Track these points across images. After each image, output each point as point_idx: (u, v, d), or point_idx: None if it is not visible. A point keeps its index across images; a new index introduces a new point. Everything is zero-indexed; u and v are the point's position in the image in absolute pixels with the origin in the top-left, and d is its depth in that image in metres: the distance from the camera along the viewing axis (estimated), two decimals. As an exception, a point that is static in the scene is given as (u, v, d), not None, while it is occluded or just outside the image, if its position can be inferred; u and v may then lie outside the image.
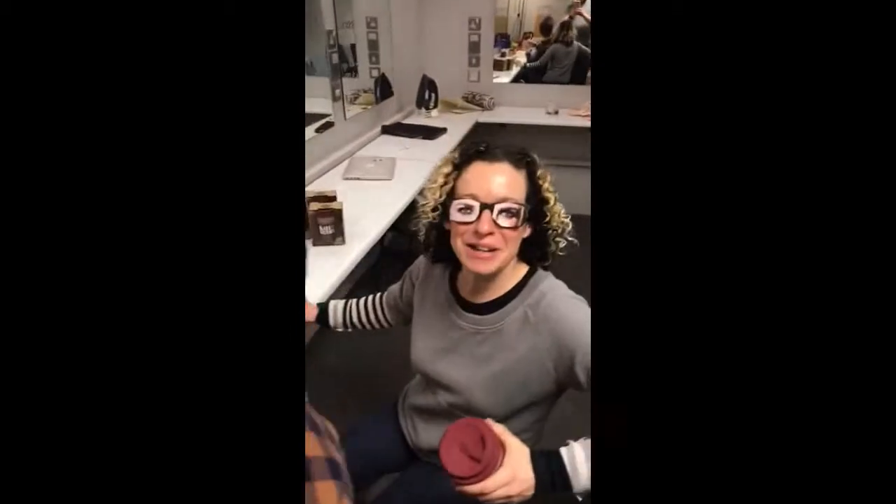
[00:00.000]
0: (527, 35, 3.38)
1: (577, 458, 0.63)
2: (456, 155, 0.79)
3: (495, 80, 3.17)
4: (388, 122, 2.55)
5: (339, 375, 1.88)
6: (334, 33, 2.00)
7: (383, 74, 2.58)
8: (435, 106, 2.80)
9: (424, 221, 0.83)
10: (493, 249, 0.74)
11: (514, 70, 3.35)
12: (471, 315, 0.84)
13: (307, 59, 2.00)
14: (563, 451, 0.65)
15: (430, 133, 2.39)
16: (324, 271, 1.24)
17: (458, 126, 2.61)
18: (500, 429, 0.63)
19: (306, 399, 0.53)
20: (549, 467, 0.63)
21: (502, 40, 3.27)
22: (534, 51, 3.28)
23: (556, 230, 0.80)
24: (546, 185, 0.77)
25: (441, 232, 0.83)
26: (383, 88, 2.60)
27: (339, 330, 1.10)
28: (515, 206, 0.73)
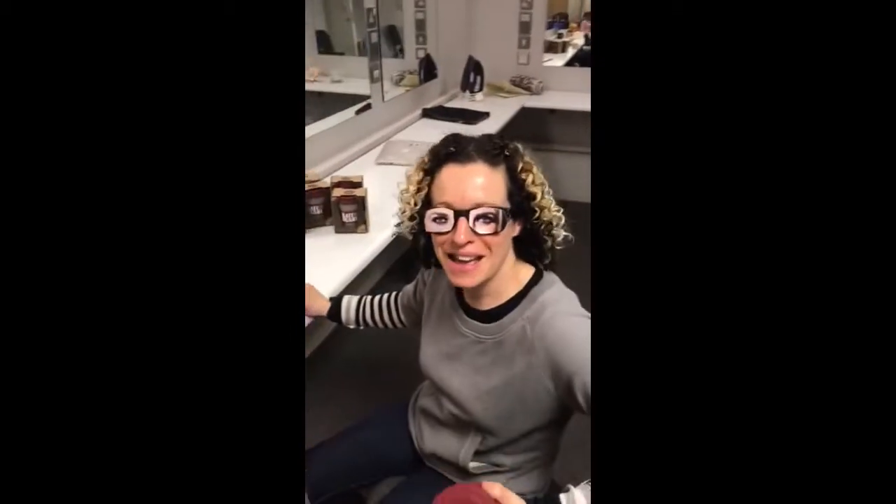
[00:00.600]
0: (588, 15, 3.19)
1: None
2: (426, 159, 0.72)
3: (547, 63, 3.02)
4: (429, 105, 2.48)
5: (359, 367, 1.87)
6: (374, 12, 1.94)
7: (428, 55, 2.50)
8: (480, 89, 2.70)
9: (406, 229, 0.78)
10: (478, 257, 0.68)
11: (570, 52, 3.18)
12: (473, 322, 0.78)
13: (357, 39, 1.97)
14: (563, 497, 0.58)
15: (472, 117, 2.30)
16: (344, 260, 1.20)
17: (502, 111, 2.51)
18: (497, 492, 0.55)
19: None
20: None
21: (560, 21, 3.11)
22: (593, 32, 3.09)
23: (549, 225, 0.72)
24: (530, 179, 0.69)
25: (429, 238, 0.75)
26: (427, 70, 2.52)
27: (351, 327, 1.06)
28: (493, 210, 0.66)
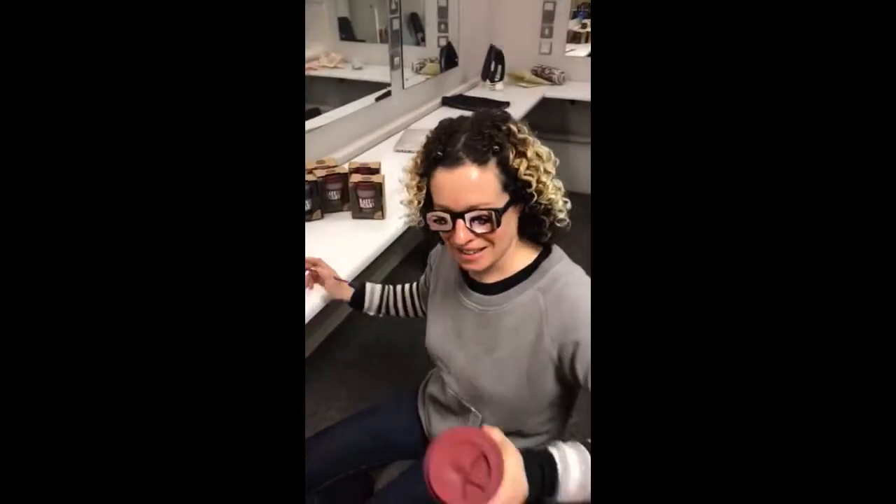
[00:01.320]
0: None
1: (570, 459, 0.59)
2: (418, 161, 0.73)
3: (569, 53, 2.98)
4: (449, 94, 2.47)
5: (373, 353, 1.89)
6: (397, -2, 1.94)
7: (449, 43, 2.49)
8: (501, 78, 2.68)
9: (415, 222, 0.80)
10: (480, 248, 0.70)
11: (593, 43, 3.13)
12: (477, 295, 0.80)
13: (379, 27, 1.97)
14: (554, 452, 0.60)
15: (491, 107, 2.28)
16: (360, 245, 1.22)
17: (522, 100, 2.49)
18: (498, 437, 0.56)
19: None
20: (542, 478, 0.57)
21: (584, 10, 3.06)
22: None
23: (548, 207, 0.73)
24: (524, 167, 0.68)
25: None
26: (448, 58, 2.51)
27: (371, 314, 1.07)
28: (485, 212, 0.67)
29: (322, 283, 1.03)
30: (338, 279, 1.03)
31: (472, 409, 0.83)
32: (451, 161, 0.67)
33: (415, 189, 0.75)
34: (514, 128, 0.70)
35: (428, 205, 0.73)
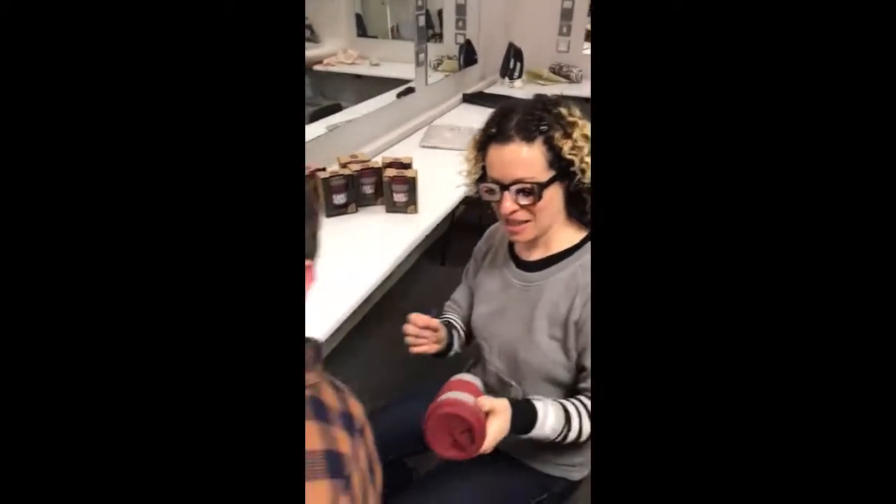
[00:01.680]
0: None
1: (548, 419, 0.74)
2: (477, 138, 0.80)
3: (586, 52, 2.99)
4: (469, 91, 2.49)
5: (398, 345, 1.88)
6: (422, -5, 1.96)
7: (468, 41, 2.50)
8: (519, 76, 2.69)
9: (471, 191, 0.87)
10: (524, 220, 0.77)
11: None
12: (520, 272, 0.86)
13: (393, 23, 1.98)
14: (538, 405, 0.74)
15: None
16: (394, 239, 1.24)
17: (541, 98, 2.50)
18: (488, 406, 0.69)
19: (329, 377, 0.51)
20: (524, 429, 0.73)
21: (599, 9, 3.07)
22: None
23: (591, 187, 0.77)
24: (568, 147, 0.74)
25: None
26: (468, 55, 2.53)
27: (458, 350, 1.00)
28: (528, 185, 0.74)
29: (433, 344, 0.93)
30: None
31: (513, 384, 0.87)
32: (503, 138, 0.74)
33: (472, 161, 0.82)
34: (564, 111, 0.76)
35: (483, 177, 0.80)
